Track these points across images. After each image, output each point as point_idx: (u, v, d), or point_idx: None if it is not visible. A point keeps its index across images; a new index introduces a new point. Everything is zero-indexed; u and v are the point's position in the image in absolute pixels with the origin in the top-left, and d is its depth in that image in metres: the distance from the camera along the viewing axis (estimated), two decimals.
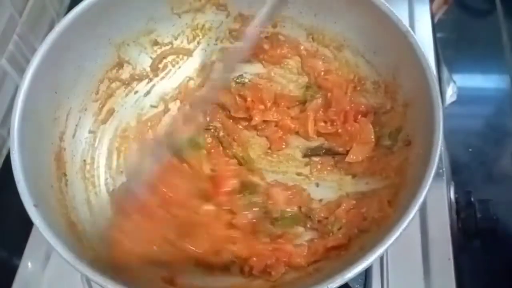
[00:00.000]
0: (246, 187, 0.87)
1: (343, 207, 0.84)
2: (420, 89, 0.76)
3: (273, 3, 0.80)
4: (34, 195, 0.67)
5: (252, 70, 1.00)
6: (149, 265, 0.75)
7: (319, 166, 0.92)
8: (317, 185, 0.91)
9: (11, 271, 0.88)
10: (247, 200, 0.85)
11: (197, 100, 0.94)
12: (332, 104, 0.92)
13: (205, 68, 1.00)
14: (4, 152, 1.04)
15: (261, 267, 0.78)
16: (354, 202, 0.85)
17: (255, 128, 0.95)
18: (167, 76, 0.99)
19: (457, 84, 1.07)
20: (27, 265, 0.89)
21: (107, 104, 0.93)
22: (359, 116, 0.90)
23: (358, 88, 0.92)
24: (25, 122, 0.74)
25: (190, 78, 1.00)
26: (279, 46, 0.99)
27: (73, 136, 0.86)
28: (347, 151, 0.90)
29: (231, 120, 0.96)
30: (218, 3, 0.96)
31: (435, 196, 0.91)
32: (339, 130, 0.91)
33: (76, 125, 0.87)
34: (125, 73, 0.95)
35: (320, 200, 0.88)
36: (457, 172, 1.01)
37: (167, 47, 0.98)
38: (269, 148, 0.95)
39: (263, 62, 1.00)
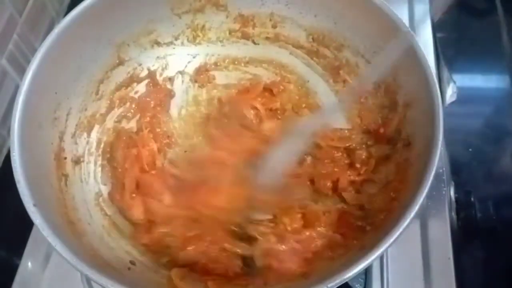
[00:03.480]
0: None
1: None
2: (420, 90, 0.76)
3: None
4: (34, 195, 0.67)
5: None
6: None
7: None
8: None
9: (11, 271, 0.88)
10: None
11: None
12: None
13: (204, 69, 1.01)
14: (4, 152, 1.04)
15: None
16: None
17: None
18: (168, 76, 1.00)
19: (457, 84, 1.07)
20: (27, 265, 0.89)
21: (107, 104, 0.93)
22: None
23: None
24: (25, 122, 0.74)
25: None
26: None
27: (73, 136, 0.86)
28: None
29: None
30: (218, 4, 0.96)
31: (435, 196, 0.91)
32: None
33: (76, 125, 0.87)
34: (125, 74, 0.95)
35: None
36: (457, 171, 1.01)
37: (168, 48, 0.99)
38: None
39: None
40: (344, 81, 0.95)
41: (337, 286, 0.61)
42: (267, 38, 1.00)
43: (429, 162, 0.68)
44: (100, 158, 0.90)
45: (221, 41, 1.01)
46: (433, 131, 0.71)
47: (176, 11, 0.95)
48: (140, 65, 0.97)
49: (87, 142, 0.89)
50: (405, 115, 0.83)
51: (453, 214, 0.93)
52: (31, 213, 0.66)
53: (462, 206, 0.95)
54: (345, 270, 0.62)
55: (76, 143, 0.86)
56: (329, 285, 0.60)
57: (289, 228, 0.82)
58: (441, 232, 0.89)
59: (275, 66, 1.01)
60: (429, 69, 0.76)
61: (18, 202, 0.67)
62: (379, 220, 0.76)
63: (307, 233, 0.81)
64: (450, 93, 1.06)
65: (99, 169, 0.89)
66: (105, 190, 0.87)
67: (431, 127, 0.71)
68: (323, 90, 0.97)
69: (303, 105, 0.97)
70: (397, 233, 0.64)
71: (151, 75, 0.98)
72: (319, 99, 0.97)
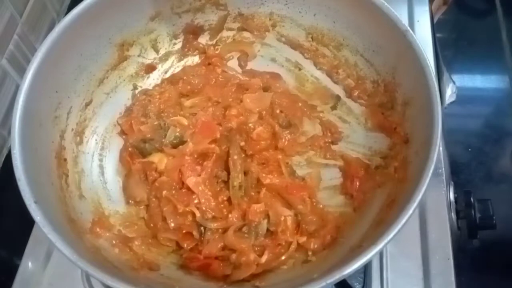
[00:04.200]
0: None
1: None
2: (419, 88, 0.77)
3: None
4: (35, 193, 0.67)
5: None
6: None
7: None
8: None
9: (11, 271, 0.88)
10: None
11: None
12: None
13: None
14: (5, 152, 1.04)
15: None
16: None
17: None
18: (168, 74, 1.00)
19: (457, 84, 1.07)
20: (28, 265, 0.89)
21: (108, 102, 0.93)
22: None
23: None
24: (26, 121, 0.74)
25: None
26: None
27: (74, 134, 0.86)
28: None
29: None
30: (218, 3, 0.97)
31: (434, 196, 0.91)
32: None
33: (77, 124, 0.87)
34: (125, 73, 0.95)
35: None
36: (457, 172, 1.01)
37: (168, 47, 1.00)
38: None
39: None
40: (343, 80, 0.95)
41: (336, 282, 0.61)
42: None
43: (428, 159, 0.68)
44: (101, 156, 0.90)
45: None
46: (431, 128, 0.71)
47: (176, 10, 0.96)
48: (140, 63, 0.97)
49: (88, 141, 0.89)
50: (404, 113, 0.83)
51: (453, 214, 0.93)
52: (32, 211, 0.66)
53: (461, 206, 0.94)
54: (344, 267, 0.62)
55: (77, 141, 0.87)
56: (328, 281, 0.61)
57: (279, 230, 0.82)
58: (441, 232, 0.89)
59: (274, 65, 1.01)
60: (427, 67, 0.76)
61: (18, 202, 0.67)
62: (378, 218, 0.77)
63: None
64: (450, 93, 1.06)
65: (100, 167, 0.90)
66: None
67: (430, 124, 0.72)
68: (322, 89, 0.97)
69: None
70: (395, 230, 0.64)
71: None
72: (318, 98, 0.97)
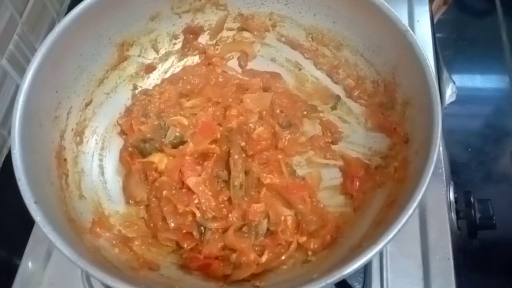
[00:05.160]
0: None
1: None
2: (419, 87, 0.77)
3: None
4: (35, 192, 0.67)
5: None
6: None
7: None
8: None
9: (11, 271, 0.88)
10: None
11: None
12: None
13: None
14: (5, 152, 1.04)
15: None
16: None
17: None
18: (168, 74, 1.00)
19: (457, 84, 1.07)
20: (28, 264, 0.89)
21: (108, 102, 0.93)
22: None
23: None
24: (26, 121, 0.74)
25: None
26: None
27: (74, 134, 0.86)
28: None
29: None
30: (218, 3, 0.97)
31: (434, 196, 0.91)
32: None
33: (77, 124, 0.87)
34: (125, 73, 0.95)
35: None
36: (457, 172, 1.01)
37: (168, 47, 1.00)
38: None
39: None
40: (343, 80, 0.95)
41: (336, 282, 0.61)
42: None
43: (428, 159, 0.68)
44: (101, 156, 0.90)
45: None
46: (431, 128, 0.71)
47: (176, 10, 0.96)
48: (140, 63, 0.97)
49: (88, 141, 0.89)
50: (404, 113, 0.83)
51: (453, 214, 0.93)
52: (32, 210, 0.66)
53: (461, 206, 0.94)
54: (344, 267, 0.62)
55: (77, 142, 0.87)
56: (328, 281, 0.61)
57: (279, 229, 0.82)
58: (441, 232, 0.89)
59: (274, 65, 1.01)
60: (427, 66, 0.76)
61: (18, 202, 0.67)
62: (378, 218, 0.77)
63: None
64: (450, 93, 1.06)
65: (100, 167, 0.90)
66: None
67: (430, 124, 0.72)
68: (322, 89, 0.97)
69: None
70: (395, 230, 0.64)
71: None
72: (318, 98, 0.97)
